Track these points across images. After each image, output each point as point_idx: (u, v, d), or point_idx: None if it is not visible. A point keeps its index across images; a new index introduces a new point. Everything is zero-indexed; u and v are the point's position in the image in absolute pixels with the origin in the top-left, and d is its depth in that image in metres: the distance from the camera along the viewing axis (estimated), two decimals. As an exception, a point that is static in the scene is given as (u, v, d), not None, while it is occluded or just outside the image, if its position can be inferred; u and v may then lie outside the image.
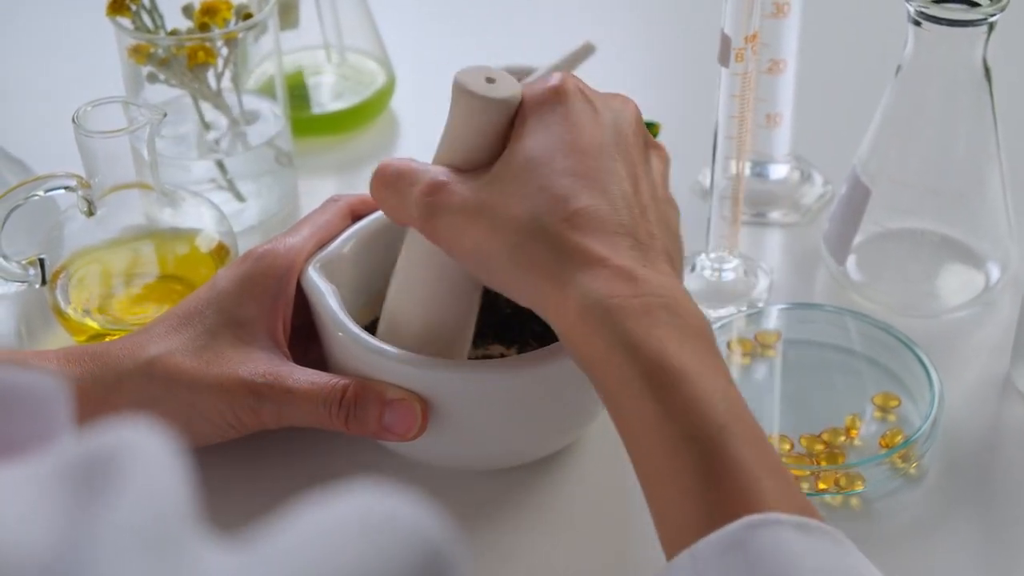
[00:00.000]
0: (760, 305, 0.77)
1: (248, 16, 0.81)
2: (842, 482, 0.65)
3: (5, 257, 0.74)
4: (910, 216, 0.77)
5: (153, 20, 0.80)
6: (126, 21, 0.80)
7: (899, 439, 0.67)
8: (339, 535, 0.30)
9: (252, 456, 0.68)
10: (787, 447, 0.68)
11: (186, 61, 0.79)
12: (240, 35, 0.81)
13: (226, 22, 0.80)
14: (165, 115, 0.71)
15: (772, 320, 0.75)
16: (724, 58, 0.71)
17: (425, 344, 0.63)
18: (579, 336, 0.55)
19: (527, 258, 0.57)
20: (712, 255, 0.78)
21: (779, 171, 0.86)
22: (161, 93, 0.83)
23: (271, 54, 0.85)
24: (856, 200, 0.77)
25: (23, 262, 0.74)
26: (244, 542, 0.30)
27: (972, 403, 0.72)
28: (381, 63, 0.96)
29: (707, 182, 0.79)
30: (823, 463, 0.66)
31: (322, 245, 0.67)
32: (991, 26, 0.71)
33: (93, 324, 0.74)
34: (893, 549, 0.64)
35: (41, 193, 0.72)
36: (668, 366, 0.53)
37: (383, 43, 0.96)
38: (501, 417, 0.63)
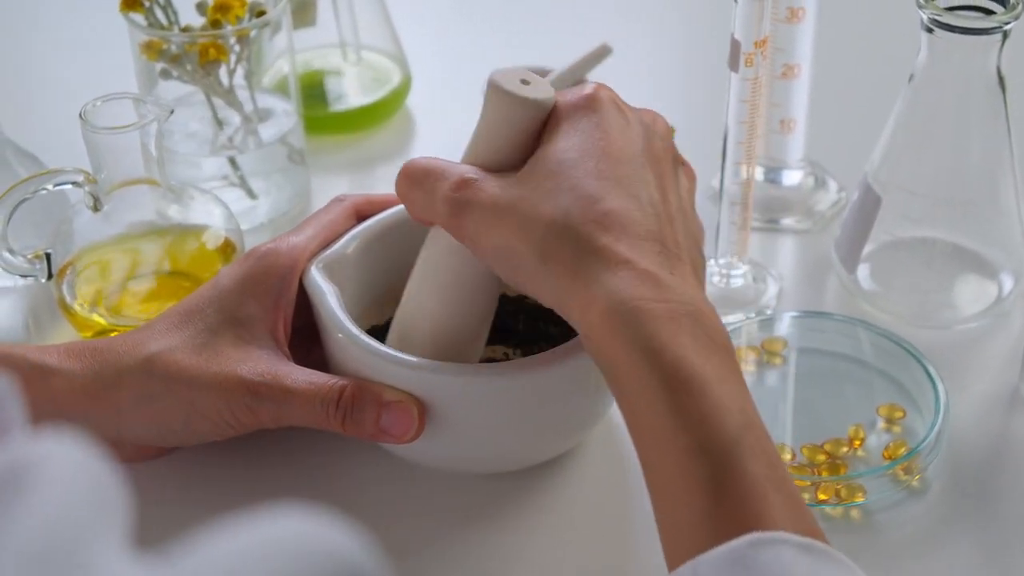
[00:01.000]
0: (769, 312, 0.77)
1: (261, 13, 0.81)
2: (843, 493, 0.65)
3: (11, 251, 0.74)
4: (922, 225, 0.76)
5: (167, 16, 0.80)
6: (139, 17, 0.80)
7: (903, 451, 0.67)
8: (257, 555, 0.29)
9: (252, 456, 0.68)
10: (788, 457, 0.67)
11: (198, 58, 0.79)
12: (253, 32, 0.81)
13: (239, 19, 0.80)
14: (172, 111, 0.71)
15: (780, 328, 0.75)
16: (734, 63, 0.70)
17: (441, 347, 0.63)
18: (601, 336, 0.55)
19: (554, 256, 0.56)
20: (721, 261, 0.77)
21: (793, 177, 0.86)
22: (175, 89, 0.83)
23: (286, 52, 0.85)
24: (867, 208, 0.76)
25: (29, 256, 0.74)
26: (161, 558, 0.29)
27: (980, 416, 0.71)
28: (397, 62, 0.96)
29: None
30: (824, 473, 0.66)
31: (326, 245, 0.67)
32: (1005, 34, 0.70)
33: (99, 320, 0.74)
34: (893, 562, 0.63)
35: (49, 188, 0.72)
36: (688, 374, 0.52)
37: (399, 42, 0.96)
38: (499, 421, 0.62)
